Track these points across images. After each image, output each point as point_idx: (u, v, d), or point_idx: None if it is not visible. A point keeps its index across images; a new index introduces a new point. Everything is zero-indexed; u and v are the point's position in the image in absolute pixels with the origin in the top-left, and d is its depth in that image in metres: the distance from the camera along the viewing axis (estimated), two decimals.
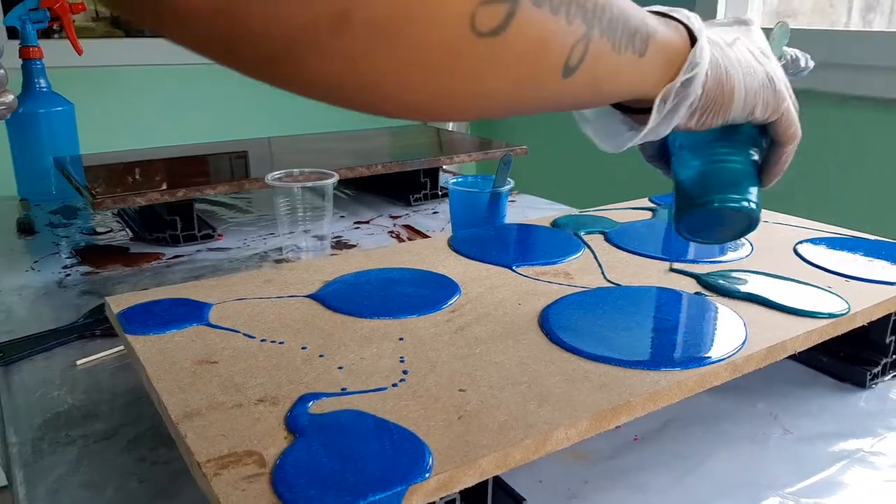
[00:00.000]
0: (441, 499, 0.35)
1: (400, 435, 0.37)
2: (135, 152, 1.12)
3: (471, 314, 0.52)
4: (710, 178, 0.45)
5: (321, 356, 0.45)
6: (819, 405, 0.55)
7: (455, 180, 0.84)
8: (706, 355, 0.45)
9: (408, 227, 1.00)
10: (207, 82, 1.85)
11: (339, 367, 0.44)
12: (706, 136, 0.46)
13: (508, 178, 0.81)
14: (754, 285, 0.56)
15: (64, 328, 0.67)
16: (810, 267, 0.61)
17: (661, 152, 0.49)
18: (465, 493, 0.37)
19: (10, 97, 0.65)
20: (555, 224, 0.73)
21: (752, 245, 0.66)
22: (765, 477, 0.46)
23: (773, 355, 0.47)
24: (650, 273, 0.60)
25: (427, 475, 0.33)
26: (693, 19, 0.39)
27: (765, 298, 0.53)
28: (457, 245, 0.66)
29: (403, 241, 0.94)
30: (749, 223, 0.46)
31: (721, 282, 0.57)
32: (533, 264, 0.61)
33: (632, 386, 0.42)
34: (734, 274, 0.59)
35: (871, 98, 1.25)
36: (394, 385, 0.42)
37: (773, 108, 0.42)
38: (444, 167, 1.21)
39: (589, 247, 0.66)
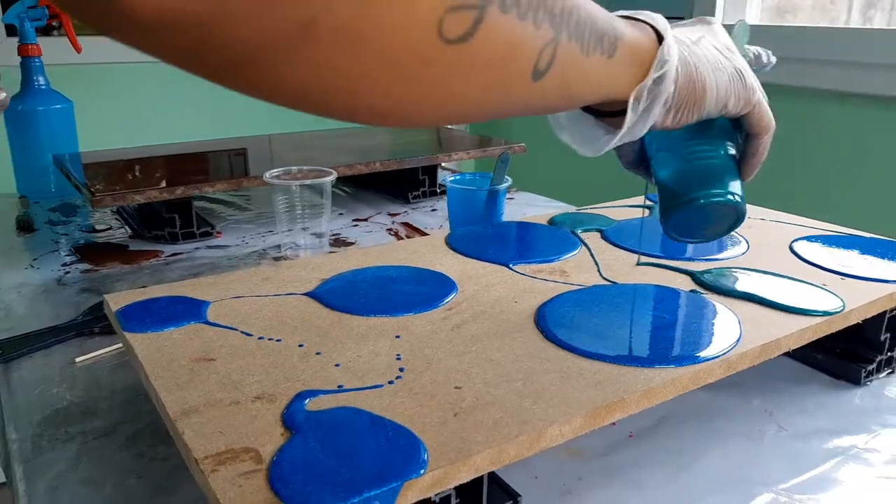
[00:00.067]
0: (436, 495, 0.36)
1: (395, 431, 0.37)
2: (134, 150, 1.12)
3: (467, 312, 0.52)
4: (692, 176, 0.45)
5: (318, 354, 0.45)
6: (814, 402, 0.55)
7: (453, 178, 0.84)
8: (700, 353, 0.45)
9: (406, 224, 1.00)
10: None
11: (336, 365, 0.44)
12: (682, 136, 0.46)
13: (506, 176, 0.81)
14: (750, 283, 0.56)
15: (63, 326, 0.67)
16: (806, 265, 0.61)
17: (639, 158, 0.49)
18: (460, 489, 0.37)
19: (1, 94, 0.65)
20: (552, 222, 0.73)
21: (747, 243, 0.66)
22: (759, 473, 0.47)
23: (767, 353, 0.48)
24: (646, 271, 0.60)
25: (422, 471, 0.34)
26: (658, 19, 0.39)
27: (760, 296, 0.53)
28: (454, 243, 0.66)
29: (402, 238, 0.94)
30: (736, 217, 0.46)
31: (716, 279, 0.57)
32: (530, 262, 0.62)
33: (626, 383, 0.42)
34: (730, 271, 0.59)
35: (871, 95, 1.26)
36: (390, 382, 0.42)
37: (745, 100, 0.42)
38: (443, 165, 1.21)
39: (585, 244, 0.66)
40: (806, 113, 1.38)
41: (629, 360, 0.44)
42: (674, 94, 0.39)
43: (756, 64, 0.51)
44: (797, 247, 0.65)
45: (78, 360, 0.61)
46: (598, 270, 0.60)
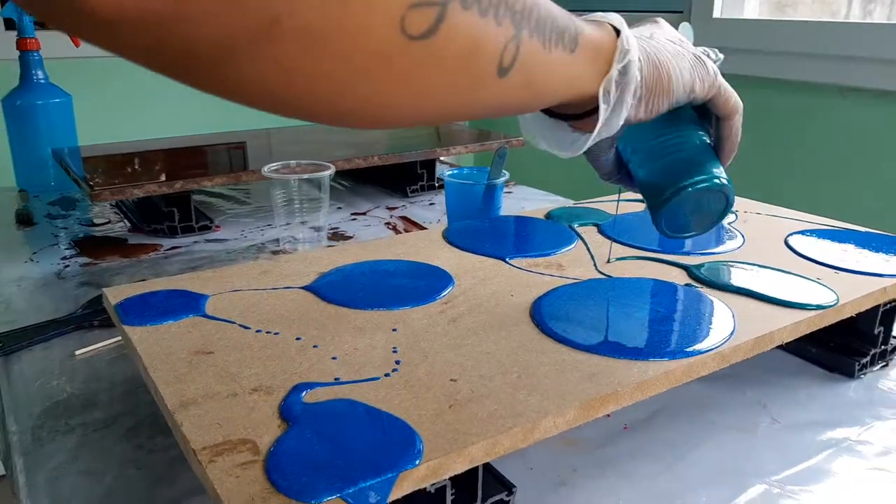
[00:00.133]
0: (432, 485, 0.36)
1: (391, 423, 0.37)
2: (133, 144, 1.12)
3: (463, 305, 0.52)
4: (673, 168, 0.46)
5: (315, 346, 0.46)
6: (807, 395, 0.56)
7: (451, 172, 0.85)
8: (694, 346, 0.46)
9: (404, 218, 1.01)
10: None
11: (333, 358, 0.44)
12: (655, 133, 0.47)
13: (504, 171, 0.81)
14: (744, 277, 0.57)
15: (62, 319, 0.68)
16: (800, 258, 0.61)
17: (616, 167, 0.50)
18: (455, 480, 0.37)
19: None
20: (549, 216, 0.73)
21: (743, 237, 0.67)
22: (752, 465, 0.47)
23: (760, 346, 0.48)
24: (641, 265, 0.60)
25: (417, 462, 0.34)
26: (612, 17, 0.40)
27: (754, 290, 0.54)
28: (451, 237, 0.67)
29: (400, 232, 0.95)
30: (726, 200, 0.47)
31: (711, 273, 0.57)
32: (526, 256, 0.62)
33: (620, 375, 0.42)
34: (724, 265, 0.59)
35: (871, 89, 1.26)
36: (386, 375, 0.42)
37: (709, 83, 0.43)
38: (441, 159, 1.22)
39: (582, 238, 0.66)
40: (805, 107, 1.38)
41: (623, 352, 0.45)
42: (641, 84, 0.40)
43: None
44: (792, 241, 0.65)
45: (77, 352, 0.62)
46: (594, 264, 0.60)
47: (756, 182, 1.47)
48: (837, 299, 0.53)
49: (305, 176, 0.82)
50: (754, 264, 0.60)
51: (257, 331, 0.48)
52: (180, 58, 0.25)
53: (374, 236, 0.92)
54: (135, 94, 1.86)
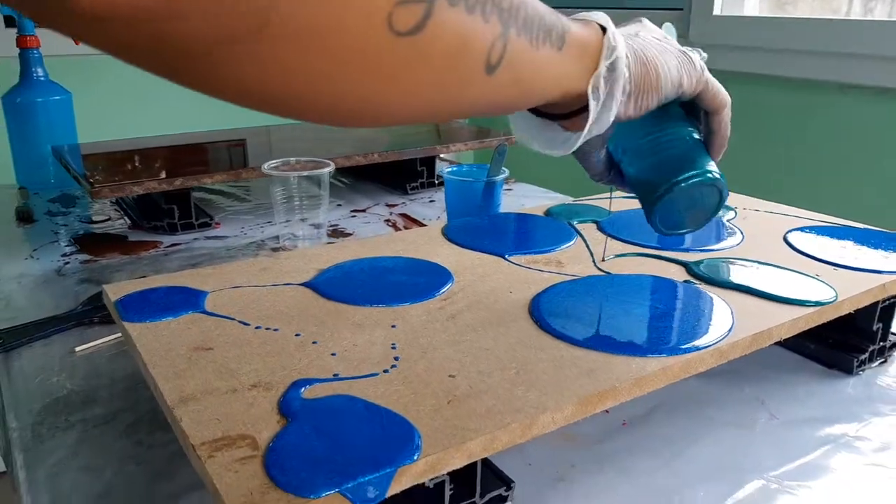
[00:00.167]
0: (431, 480, 0.36)
1: (390, 419, 0.37)
2: (132, 141, 1.12)
3: (462, 302, 0.52)
4: (665, 165, 0.46)
5: (314, 343, 0.46)
6: (806, 391, 0.56)
7: (450, 169, 0.85)
8: (692, 342, 0.46)
9: (404, 215, 1.01)
10: None
11: (332, 354, 0.45)
12: (645, 132, 0.47)
13: (503, 168, 0.81)
14: (743, 273, 0.57)
15: (63, 315, 0.68)
16: (799, 255, 0.61)
17: (607, 168, 0.50)
18: (454, 476, 0.38)
19: None
20: (548, 213, 0.73)
21: (742, 233, 0.67)
22: (750, 461, 0.47)
23: (758, 342, 0.48)
24: (640, 262, 0.61)
25: (416, 457, 0.34)
26: (597, 15, 0.40)
27: (752, 287, 0.54)
28: (450, 234, 0.67)
29: (400, 229, 0.95)
30: (719, 195, 0.47)
31: (709, 270, 0.57)
32: (525, 253, 0.62)
33: (618, 372, 0.42)
34: (723, 262, 0.59)
35: (871, 87, 1.26)
36: (385, 371, 0.43)
37: (696, 77, 0.44)
38: (441, 156, 1.22)
39: (581, 235, 0.67)
40: (805, 104, 1.38)
41: (622, 349, 0.45)
42: (630, 80, 0.40)
43: None
44: (791, 237, 0.65)
45: (78, 349, 0.62)
46: (593, 261, 0.60)
47: (756, 179, 1.47)
48: (836, 296, 0.53)
49: (305, 173, 0.82)
50: (753, 261, 0.60)
51: (257, 327, 0.48)
52: (170, 56, 0.25)
53: (373, 233, 0.92)
54: (135, 92, 1.86)
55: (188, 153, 1.09)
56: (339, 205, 1.06)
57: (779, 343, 0.51)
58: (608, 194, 0.80)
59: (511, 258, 0.61)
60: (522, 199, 1.09)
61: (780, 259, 0.60)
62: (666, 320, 0.50)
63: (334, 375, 0.42)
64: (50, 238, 0.92)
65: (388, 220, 0.99)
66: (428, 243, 0.65)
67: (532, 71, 0.36)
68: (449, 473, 0.37)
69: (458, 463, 0.36)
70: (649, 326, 0.49)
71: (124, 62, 0.26)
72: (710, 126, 0.47)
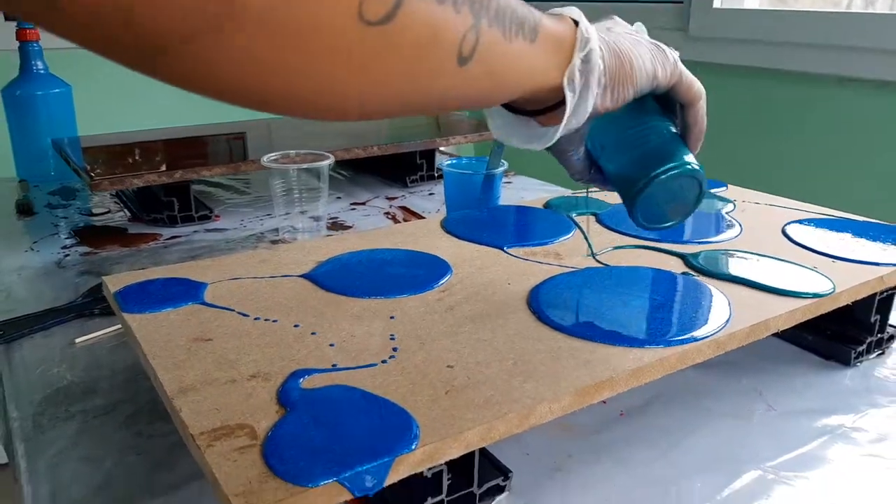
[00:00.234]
0: (428, 469, 0.36)
1: (388, 409, 0.38)
2: (132, 134, 1.12)
3: (461, 294, 0.52)
4: (644, 159, 0.46)
5: (313, 334, 0.46)
6: (803, 382, 0.56)
7: (449, 162, 0.85)
8: (690, 333, 0.46)
9: (404, 208, 1.01)
10: None
11: (331, 345, 0.45)
12: (623, 127, 0.47)
13: (502, 160, 0.81)
14: (741, 265, 0.57)
15: (63, 307, 0.68)
16: (798, 247, 0.61)
17: (588, 166, 0.50)
18: (453, 465, 0.38)
19: None
20: (548, 205, 0.74)
21: (741, 226, 0.67)
22: (747, 452, 0.48)
23: (756, 333, 0.48)
24: (639, 254, 0.61)
25: (413, 446, 0.35)
26: (570, 9, 0.40)
27: (750, 279, 0.54)
28: (449, 226, 0.67)
29: (399, 222, 0.95)
30: (699, 187, 0.47)
31: (707, 262, 0.58)
32: (524, 245, 0.62)
33: (615, 363, 0.43)
34: (721, 254, 0.59)
35: (871, 80, 1.25)
36: (383, 361, 0.43)
37: (670, 69, 0.44)
38: (441, 149, 1.21)
39: (580, 228, 0.67)
40: (805, 97, 1.37)
41: (619, 340, 0.45)
42: (605, 72, 0.40)
43: None
44: (790, 230, 0.66)
45: (78, 340, 0.62)
46: (592, 253, 0.61)
47: (755, 171, 1.47)
48: (834, 288, 0.53)
49: (304, 165, 0.82)
50: (751, 253, 0.60)
51: (256, 318, 0.48)
52: (137, 47, 0.25)
53: (373, 226, 0.92)
54: (135, 85, 1.86)
55: (188, 146, 1.09)
56: (339, 197, 1.06)
57: (776, 334, 0.51)
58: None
59: (510, 250, 0.61)
60: (522, 191, 1.09)
61: (779, 251, 0.60)
62: (664, 312, 0.50)
63: (333, 366, 0.42)
64: (50, 230, 0.92)
65: (387, 213, 0.99)
66: (427, 236, 0.65)
67: (505, 63, 0.36)
68: (447, 463, 0.37)
69: (456, 452, 0.36)
70: (647, 318, 0.49)
71: (84, 48, 0.25)
72: (687, 119, 0.47)
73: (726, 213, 0.71)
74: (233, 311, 0.49)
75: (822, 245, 0.61)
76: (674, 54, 0.45)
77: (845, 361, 0.58)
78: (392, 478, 0.34)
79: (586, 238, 0.63)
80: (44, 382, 0.56)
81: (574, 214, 0.70)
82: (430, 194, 1.08)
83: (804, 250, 0.61)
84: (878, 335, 0.59)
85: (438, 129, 1.20)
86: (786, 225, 0.67)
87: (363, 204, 1.04)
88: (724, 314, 0.49)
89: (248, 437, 0.35)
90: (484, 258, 0.59)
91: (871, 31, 1.23)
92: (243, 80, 0.27)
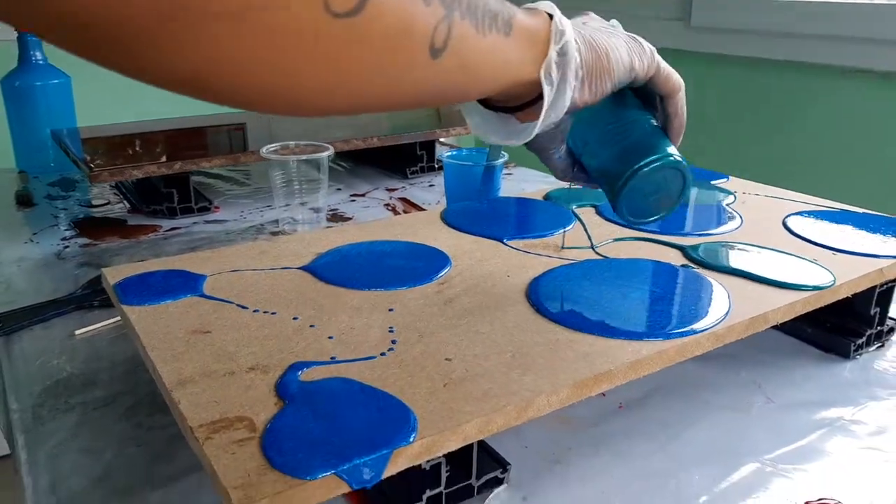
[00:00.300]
0: (427, 462, 0.36)
1: (386, 401, 0.38)
2: (132, 125, 1.12)
3: (460, 286, 0.52)
4: (626, 153, 0.46)
5: (312, 326, 0.46)
6: (802, 375, 0.56)
7: (450, 153, 0.85)
8: (688, 326, 0.46)
9: (404, 199, 1.01)
10: None
11: (329, 337, 0.45)
12: (603, 123, 0.47)
13: (503, 152, 0.81)
14: (740, 258, 0.57)
15: (62, 299, 0.68)
16: (798, 240, 0.61)
17: (570, 164, 0.50)
18: (451, 458, 0.38)
19: None
20: (547, 197, 0.73)
21: (741, 218, 0.67)
22: (745, 444, 0.48)
23: (755, 326, 0.48)
24: (638, 246, 0.61)
25: (412, 439, 0.35)
26: (542, 3, 0.40)
27: (750, 271, 0.54)
28: (449, 218, 0.67)
29: (399, 213, 0.95)
30: (683, 178, 0.47)
31: (707, 254, 0.57)
32: (523, 237, 0.62)
33: (614, 355, 0.43)
34: (720, 246, 0.59)
35: (873, 71, 1.25)
36: (382, 354, 0.43)
37: (647, 61, 0.44)
38: (441, 140, 1.21)
39: (580, 219, 0.66)
40: (805, 88, 1.37)
41: (618, 332, 0.45)
42: (581, 65, 0.40)
43: None
44: (790, 222, 0.65)
45: (77, 332, 0.62)
46: (592, 245, 0.60)
47: (755, 163, 1.46)
48: (834, 280, 0.53)
49: (304, 157, 0.82)
50: (752, 245, 0.60)
51: (255, 310, 0.48)
52: (100, 41, 0.24)
53: (373, 217, 0.92)
54: None
55: (187, 137, 1.09)
56: (339, 189, 1.06)
57: (776, 327, 0.51)
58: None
59: (509, 242, 0.61)
60: (522, 183, 1.09)
61: (779, 243, 0.60)
62: (663, 304, 0.50)
63: (331, 358, 0.42)
64: (49, 222, 0.92)
65: (387, 205, 0.99)
66: (426, 227, 0.65)
67: (479, 56, 0.35)
68: (445, 455, 0.37)
69: (454, 445, 0.36)
70: (646, 310, 0.49)
71: (51, 44, 0.25)
72: (667, 111, 0.47)
73: (727, 204, 0.71)
74: (232, 303, 0.49)
75: (823, 237, 0.61)
76: (651, 46, 0.45)
77: (845, 354, 0.58)
78: (390, 470, 0.34)
79: (586, 230, 0.62)
80: (44, 374, 0.56)
81: (574, 206, 0.70)
82: (431, 186, 1.07)
83: (804, 242, 0.61)
84: (878, 328, 0.59)
85: (439, 119, 1.20)
86: (786, 217, 0.67)
87: (363, 195, 1.03)
88: (723, 307, 0.49)
89: (246, 430, 0.35)
90: (483, 250, 0.59)
91: (875, 21, 1.22)
92: (206, 73, 0.27)
